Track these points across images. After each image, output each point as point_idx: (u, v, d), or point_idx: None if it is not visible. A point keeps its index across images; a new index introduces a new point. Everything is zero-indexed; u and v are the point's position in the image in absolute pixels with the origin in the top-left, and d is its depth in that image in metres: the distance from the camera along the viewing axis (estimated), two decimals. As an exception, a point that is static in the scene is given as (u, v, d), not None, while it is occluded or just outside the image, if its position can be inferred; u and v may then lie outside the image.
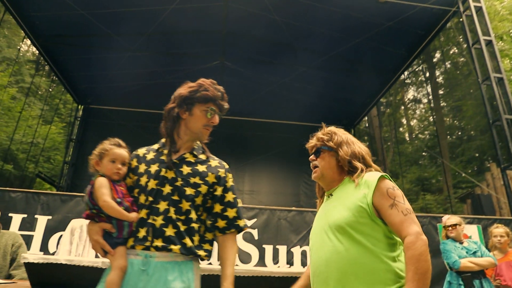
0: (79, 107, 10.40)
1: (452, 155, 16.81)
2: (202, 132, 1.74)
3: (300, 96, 9.08)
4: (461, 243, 3.95)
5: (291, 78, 8.36)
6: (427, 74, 17.46)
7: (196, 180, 1.66)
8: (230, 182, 1.76)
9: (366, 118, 15.07)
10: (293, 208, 5.37)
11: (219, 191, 1.71)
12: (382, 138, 16.11)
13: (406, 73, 16.48)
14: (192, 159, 1.72)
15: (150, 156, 1.74)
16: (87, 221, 1.65)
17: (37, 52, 9.92)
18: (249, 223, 4.87)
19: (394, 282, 1.42)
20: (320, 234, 1.60)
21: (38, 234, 4.52)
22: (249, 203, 9.29)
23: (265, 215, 4.92)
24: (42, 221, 4.58)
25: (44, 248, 4.46)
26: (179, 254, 1.56)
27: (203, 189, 1.66)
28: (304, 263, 4.77)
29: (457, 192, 14.68)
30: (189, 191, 1.63)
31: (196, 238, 1.62)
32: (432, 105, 14.89)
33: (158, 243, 1.54)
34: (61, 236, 4.52)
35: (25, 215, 4.59)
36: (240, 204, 1.77)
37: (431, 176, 17.00)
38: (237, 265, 4.62)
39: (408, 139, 21.40)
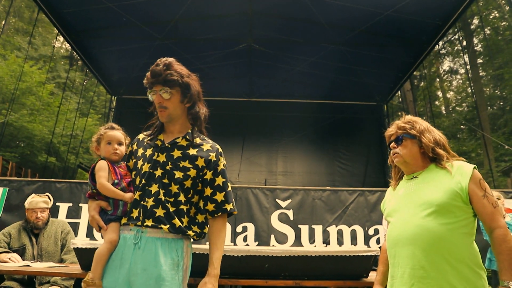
0: (113, 98, 10.72)
1: (494, 127, 16.01)
2: (159, 114, 1.76)
3: (330, 74, 8.89)
4: (503, 218, 3.80)
5: (320, 56, 8.16)
6: (464, 43, 16.54)
7: (186, 164, 1.70)
8: (221, 166, 1.77)
9: (399, 93, 14.56)
10: (327, 187, 5.33)
11: (209, 174, 1.73)
12: (416, 112, 15.55)
13: (440, 43, 15.70)
14: (184, 143, 1.75)
15: (147, 140, 1.81)
16: None
17: (69, 47, 10.24)
18: (284, 204, 4.89)
19: (478, 260, 1.57)
20: (406, 211, 1.70)
21: (83, 221, 4.76)
22: (283, 184, 9.33)
23: (299, 196, 4.92)
24: (86, 209, 4.82)
25: (90, 234, 4.69)
26: (169, 232, 1.63)
27: (192, 172, 1.70)
28: (340, 242, 4.76)
29: (499, 166, 14.02)
30: (178, 174, 1.68)
31: (185, 219, 1.67)
32: (470, 75, 14.14)
33: (149, 222, 1.62)
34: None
35: (71, 204, 4.84)
36: (229, 188, 1.78)
37: (470, 150, 16.32)
38: (273, 245, 4.69)
39: (444, 112, 20.56)
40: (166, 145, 1.74)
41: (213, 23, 7.60)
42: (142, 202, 1.66)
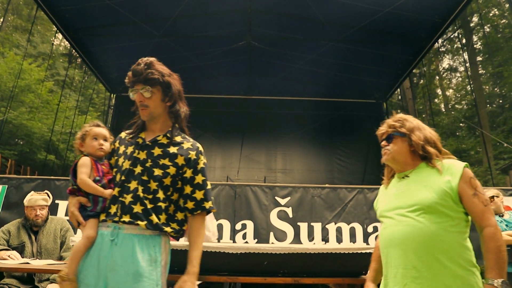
0: (112, 96, 10.69)
1: (493, 125, 16.03)
2: (140, 113, 1.78)
3: (329, 71, 8.86)
4: (501, 215, 3.81)
5: (319, 53, 8.15)
6: (464, 41, 16.54)
7: (165, 161, 1.72)
8: (201, 164, 1.79)
9: (398, 90, 14.55)
10: (327, 185, 5.34)
11: (188, 173, 1.75)
12: (416, 110, 15.56)
13: (440, 41, 15.68)
14: (165, 141, 1.77)
15: (129, 138, 1.84)
16: None
17: (68, 45, 10.22)
18: (283, 201, 4.90)
19: (470, 259, 1.56)
20: (398, 211, 1.70)
21: (83, 219, 4.76)
22: (282, 181, 9.34)
23: (298, 193, 4.93)
24: (85, 206, 4.82)
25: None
26: (146, 229, 1.64)
27: (172, 170, 1.71)
28: (339, 240, 4.78)
29: (498, 164, 14.04)
30: (157, 172, 1.69)
31: (162, 216, 1.68)
32: (469, 73, 14.14)
33: (126, 218, 1.63)
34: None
35: (70, 202, 4.84)
36: (209, 187, 1.80)
37: (469, 147, 16.34)
38: (272, 243, 4.70)
39: (444, 110, 20.57)
40: (147, 143, 1.76)
41: (212, 20, 7.57)
42: (120, 198, 1.67)
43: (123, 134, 1.91)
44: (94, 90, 15.84)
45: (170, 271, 1.74)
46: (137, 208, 1.64)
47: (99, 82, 10.43)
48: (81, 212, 1.73)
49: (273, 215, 4.82)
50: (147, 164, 1.70)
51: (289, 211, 4.81)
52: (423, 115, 17.83)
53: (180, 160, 1.73)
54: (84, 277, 1.61)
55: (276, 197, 4.91)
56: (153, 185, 1.68)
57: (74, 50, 9.07)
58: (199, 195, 1.75)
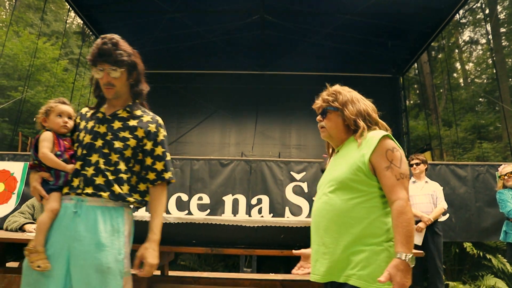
0: (125, 73, 10.72)
1: (514, 99, 15.52)
2: (105, 92, 1.80)
3: (344, 45, 8.66)
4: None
5: (334, 27, 7.95)
6: (487, 11, 15.86)
7: (125, 134, 1.77)
8: (160, 137, 1.83)
9: (415, 65, 14.19)
10: (342, 160, 5.31)
11: (149, 145, 1.80)
12: (433, 85, 15.18)
13: (461, 12, 15.09)
14: (125, 115, 1.82)
15: (90, 113, 1.87)
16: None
17: (81, 23, 10.20)
18: (298, 176, 4.91)
19: (382, 234, 1.52)
20: (322, 187, 1.71)
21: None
22: (297, 157, 9.33)
23: (314, 168, 4.93)
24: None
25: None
26: (109, 200, 1.69)
27: (132, 142, 1.76)
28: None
29: (518, 139, 13.68)
30: (117, 144, 1.74)
31: (125, 187, 1.73)
32: (491, 45, 13.63)
33: (89, 190, 1.68)
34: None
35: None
36: (168, 158, 1.84)
37: (488, 123, 15.93)
38: (288, 217, 4.75)
39: (463, 84, 20.01)
40: (107, 117, 1.81)
41: (225, -6, 7.44)
42: (82, 172, 1.72)
43: (84, 110, 1.95)
44: (108, 68, 15.85)
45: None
46: (99, 180, 1.69)
47: (112, 59, 10.44)
48: (44, 187, 1.76)
49: (289, 190, 4.85)
50: (108, 137, 1.75)
51: (304, 186, 4.83)
52: (441, 90, 17.39)
53: (140, 133, 1.78)
54: (49, 248, 1.66)
55: (291, 172, 4.93)
56: (114, 157, 1.73)
57: (86, 28, 9.05)
58: (159, 166, 1.80)
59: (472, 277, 5.36)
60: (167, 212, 4.82)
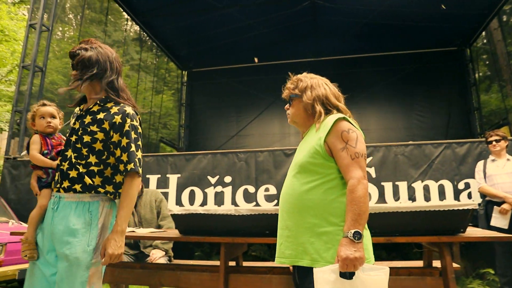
0: (183, 73, 11.14)
1: None
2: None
3: (403, 22, 8.13)
4: None
5: (391, 3, 7.51)
6: None
7: (94, 128, 1.83)
8: (126, 127, 1.83)
9: (483, 33, 12.98)
10: (410, 142, 5.04)
11: (115, 137, 1.83)
12: (506, 53, 13.79)
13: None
14: (96, 109, 1.88)
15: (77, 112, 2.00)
16: None
17: (138, 29, 10.72)
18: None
19: (342, 214, 1.54)
20: (289, 171, 1.79)
21: (172, 191, 5.13)
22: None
23: (380, 152, 4.74)
24: (173, 179, 5.18)
25: (178, 202, 5.06)
26: (85, 194, 1.79)
27: (100, 135, 1.82)
28: (427, 198, 4.55)
29: None
30: (86, 138, 1.82)
31: (96, 179, 1.81)
32: None
33: (65, 184, 1.81)
34: (191, 190, 5.06)
35: (159, 175, 5.23)
36: (132, 149, 1.82)
37: None
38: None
39: (541, 49, 17.97)
40: (82, 113, 1.91)
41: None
42: (60, 167, 1.85)
43: (76, 109, 2.04)
44: (166, 70, 16.55)
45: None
46: (73, 173, 1.80)
47: (169, 61, 10.87)
48: (38, 184, 1.98)
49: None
50: (79, 133, 1.85)
51: (371, 171, 4.66)
52: (515, 57, 15.76)
53: (106, 125, 1.83)
54: (39, 240, 1.86)
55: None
56: (84, 151, 1.82)
57: (143, 33, 9.51)
58: (124, 157, 1.82)
59: None
60: (219, 205, 4.86)
